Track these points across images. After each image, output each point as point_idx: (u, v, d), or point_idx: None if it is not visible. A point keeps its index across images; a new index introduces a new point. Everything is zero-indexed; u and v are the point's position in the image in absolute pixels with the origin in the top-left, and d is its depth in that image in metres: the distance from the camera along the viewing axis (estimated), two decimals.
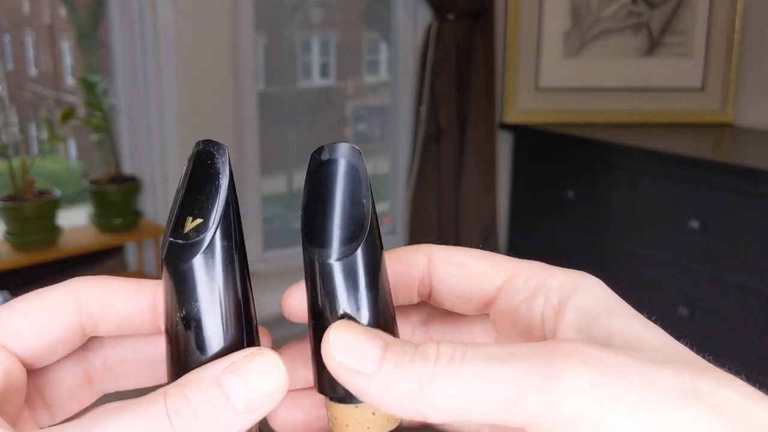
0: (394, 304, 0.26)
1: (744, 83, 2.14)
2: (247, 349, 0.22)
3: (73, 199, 1.91)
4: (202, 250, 0.23)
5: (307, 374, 0.26)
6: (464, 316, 0.28)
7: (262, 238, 2.05)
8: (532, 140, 2.21)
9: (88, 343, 0.27)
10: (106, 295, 0.25)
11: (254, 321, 0.24)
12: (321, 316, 0.24)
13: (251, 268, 0.25)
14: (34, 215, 1.56)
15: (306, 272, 0.24)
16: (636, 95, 2.20)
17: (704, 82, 2.16)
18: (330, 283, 0.23)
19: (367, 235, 0.23)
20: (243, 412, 0.21)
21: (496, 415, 0.20)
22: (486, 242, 2.15)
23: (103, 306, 0.25)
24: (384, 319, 0.24)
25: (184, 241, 0.23)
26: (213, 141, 0.24)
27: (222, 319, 0.23)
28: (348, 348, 0.22)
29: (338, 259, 0.23)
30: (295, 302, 0.26)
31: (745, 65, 2.13)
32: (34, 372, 0.25)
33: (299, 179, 2.24)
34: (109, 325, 0.25)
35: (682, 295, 1.84)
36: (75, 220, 1.82)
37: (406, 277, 0.26)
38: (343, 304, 0.23)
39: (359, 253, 0.23)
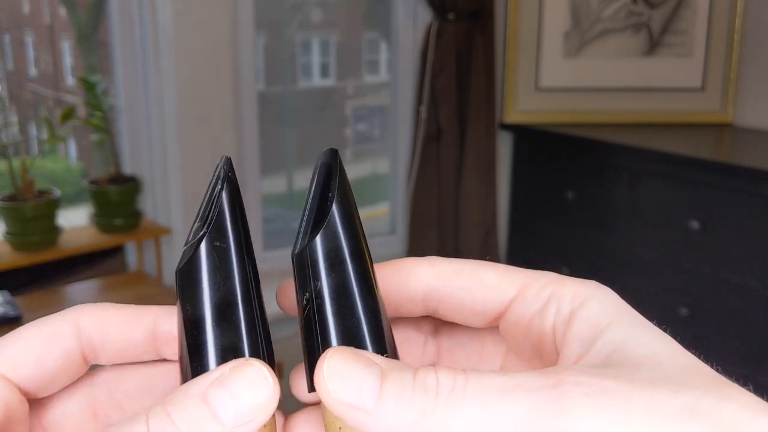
0: (396, 315, 0.26)
1: (744, 83, 2.14)
2: (233, 360, 0.22)
3: (73, 199, 1.91)
4: (192, 251, 0.23)
5: None
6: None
7: (262, 238, 2.05)
8: (532, 140, 2.21)
9: (95, 376, 0.26)
10: (105, 324, 0.25)
11: (257, 326, 0.23)
12: (300, 309, 0.24)
13: None
14: (34, 215, 1.56)
15: None
16: (636, 95, 2.20)
17: (704, 82, 2.16)
18: (296, 273, 0.24)
19: (324, 227, 0.23)
20: (232, 427, 0.20)
21: None
22: (486, 242, 2.15)
23: (102, 335, 0.24)
24: (348, 311, 0.23)
25: (185, 247, 0.23)
26: (226, 156, 0.25)
27: (220, 323, 0.22)
28: (343, 381, 0.21)
29: (297, 252, 0.24)
30: (288, 298, 0.26)
31: (745, 65, 2.13)
32: (38, 406, 0.25)
33: (299, 179, 2.24)
34: (108, 354, 0.25)
35: (682, 296, 1.84)
36: (75, 220, 1.82)
37: (408, 288, 0.26)
38: (304, 291, 0.24)
39: (316, 243, 0.23)
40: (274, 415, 0.23)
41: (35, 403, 0.25)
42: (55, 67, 1.96)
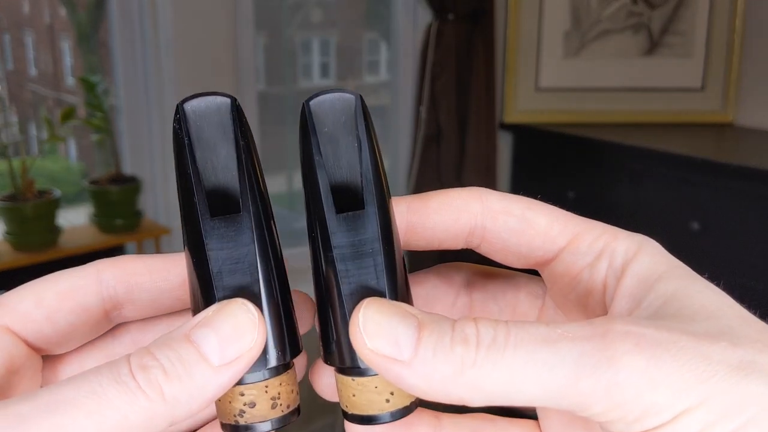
0: (438, 249, 0.25)
1: (744, 83, 2.14)
2: (218, 302, 0.21)
3: (73, 199, 1.91)
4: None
5: None
6: (509, 277, 0.27)
7: None
8: (532, 140, 2.21)
9: (118, 331, 0.25)
10: (132, 275, 0.24)
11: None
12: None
13: None
14: (34, 215, 1.56)
15: None
16: (636, 95, 2.20)
17: (704, 82, 2.16)
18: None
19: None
20: (219, 365, 0.19)
21: (544, 401, 0.19)
22: None
23: (129, 288, 0.23)
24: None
25: None
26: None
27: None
28: (379, 332, 0.20)
29: None
30: None
31: (745, 65, 2.13)
32: (55, 361, 0.24)
33: (299, 179, 2.24)
34: (137, 308, 0.24)
35: None
36: (75, 220, 1.82)
37: (456, 225, 0.24)
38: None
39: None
40: (292, 373, 0.23)
41: (52, 357, 0.24)
42: (55, 67, 1.96)
